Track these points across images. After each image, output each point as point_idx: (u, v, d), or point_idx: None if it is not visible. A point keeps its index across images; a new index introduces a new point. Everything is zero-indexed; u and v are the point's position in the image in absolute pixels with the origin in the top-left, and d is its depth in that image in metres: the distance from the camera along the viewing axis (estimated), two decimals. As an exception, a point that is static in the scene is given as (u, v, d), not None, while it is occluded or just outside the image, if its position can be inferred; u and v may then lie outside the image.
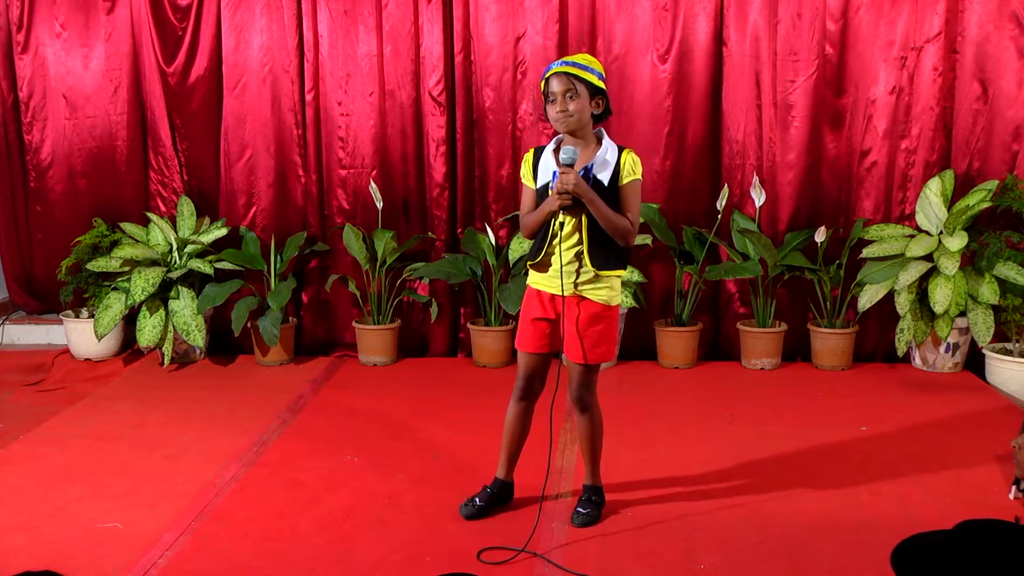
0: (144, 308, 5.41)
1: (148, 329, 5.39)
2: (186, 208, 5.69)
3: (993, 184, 5.16)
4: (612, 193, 3.26)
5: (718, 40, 5.41)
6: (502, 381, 4.88)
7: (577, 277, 3.29)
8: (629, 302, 5.25)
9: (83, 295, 5.68)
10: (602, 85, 3.26)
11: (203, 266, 5.42)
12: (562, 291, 3.28)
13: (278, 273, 5.63)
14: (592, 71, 3.25)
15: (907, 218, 5.41)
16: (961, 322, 5.18)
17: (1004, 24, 5.17)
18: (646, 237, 5.43)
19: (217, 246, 5.64)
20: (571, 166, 3.20)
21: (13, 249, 6.14)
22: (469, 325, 5.63)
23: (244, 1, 5.61)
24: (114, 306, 5.41)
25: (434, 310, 5.68)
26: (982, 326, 5.06)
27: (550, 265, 3.31)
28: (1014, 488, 3.60)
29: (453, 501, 3.57)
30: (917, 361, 5.41)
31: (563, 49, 5.40)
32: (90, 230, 5.69)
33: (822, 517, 3.48)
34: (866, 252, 5.28)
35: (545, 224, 3.29)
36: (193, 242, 5.56)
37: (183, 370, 5.52)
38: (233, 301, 5.54)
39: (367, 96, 5.62)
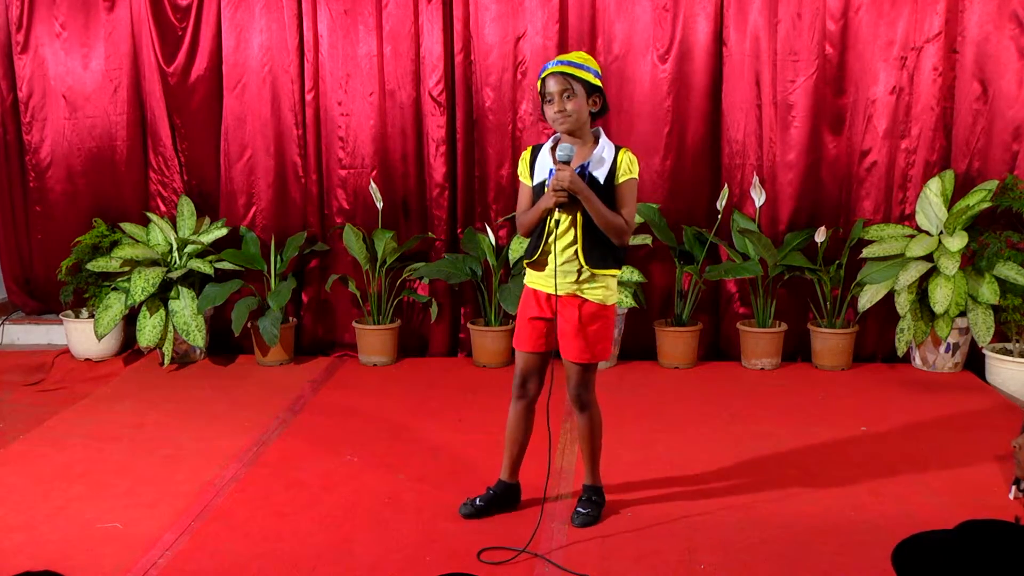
0: (144, 308, 5.41)
1: (148, 329, 5.39)
2: (186, 208, 5.69)
3: (993, 184, 5.16)
4: (608, 191, 3.26)
5: (718, 40, 5.41)
6: (502, 381, 4.87)
7: (578, 277, 3.29)
8: (629, 302, 5.25)
9: (83, 295, 5.68)
10: (598, 83, 3.26)
11: (203, 266, 5.42)
12: (555, 290, 3.28)
13: (278, 273, 5.63)
14: (588, 69, 3.24)
15: (907, 218, 5.41)
16: (961, 322, 5.18)
17: (1004, 24, 5.17)
18: (646, 237, 5.42)
19: (217, 246, 5.64)
20: (567, 163, 3.20)
21: (12, 249, 6.14)
22: (469, 325, 5.63)
23: (244, 1, 5.61)
24: (114, 306, 5.41)
25: (434, 310, 5.68)
26: (982, 326, 5.06)
27: (547, 264, 3.31)
28: (1014, 488, 3.60)
29: (453, 501, 3.57)
30: (917, 361, 5.41)
31: (563, 49, 5.39)
32: (90, 230, 5.69)
33: (822, 517, 3.48)
34: (866, 252, 5.28)
35: (541, 222, 3.30)
36: (193, 242, 5.56)
37: (183, 370, 5.52)
38: (233, 301, 5.54)
39: (367, 96, 5.62)
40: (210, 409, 4.81)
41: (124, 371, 5.52)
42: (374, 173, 5.65)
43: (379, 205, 5.54)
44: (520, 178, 3.44)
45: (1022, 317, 5.03)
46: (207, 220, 5.78)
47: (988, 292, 5.03)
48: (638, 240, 5.39)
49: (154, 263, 5.48)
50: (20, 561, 3.16)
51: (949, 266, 5.01)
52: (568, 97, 3.21)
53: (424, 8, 5.50)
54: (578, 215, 3.24)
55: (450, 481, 3.82)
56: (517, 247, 5.41)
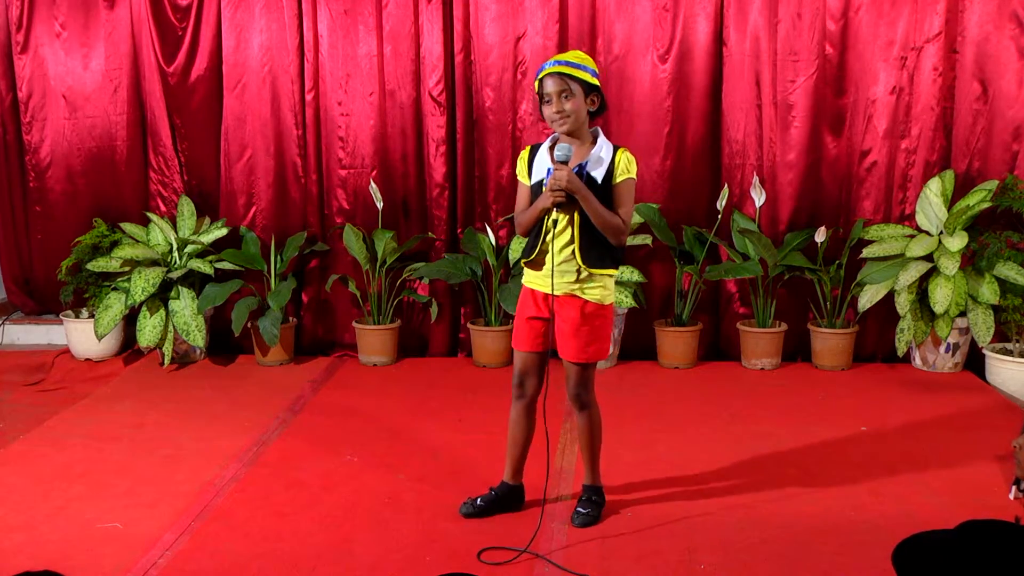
0: (144, 308, 5.41)
1: (148, 329, 5.39)
2: (186, 208, 5.69)
3: (993, 184, 5.16)
4: (605, 191, 3.26)
5: (718, 40, 5.41)
6: (502, 381, 4.87)
7: (576, 276, 3.29)
8: (629, 302, 5.25)
9: (83, 295, 5.68)
10: (596, 82, 3.26)
11: (203, 266, 5.42)
12: (552, 289, 3.28)
13: (278, 273, 5.63)
14: (585, 68, 3.24)
15: (907, 218, 5.41)
16: (961, 322, 5.18)
17: (1004, 24, 5.17)
18: (646, 237, 5.42)
19: (217, 246, 5.64)
20: (565, 163, 3.20)
21: (12, 249, 6.14)
22: (469, 325, 5.63)
23: (244, 1, 5.61)
24: (114, 306, 5.41)
25: (434, 310, 5.68)
26: (982, 326, 5.06)
27: (544, 263, 3.31)
28: (1014, 488, 3.60)
29: (453, 501, 3.57)
30: (917, 361, 5.41)
31: (563, 49, 5.39)
32: (90, 230, 5.69)
33: (822, 517, 3.48)
34: (866, 252, 5.28)
35: (539, 221, 3.30)
36: (193, 242, 5.56)
37: (183, 370, 5.52)
38: (233, 301, 5.54)
39: (367, 96, 5.62)
40: (210, 409, 4.81)
41: (124, 371, 5.52)
42: (374, 173, 5.65)
43: (379, 205, 5.54)
44: (518, 178, 3.44)
45: (1022, 317, 5.03)
46: (207, 220, 5.79)
47: (988, 292, 5.03)
48: (638, 240, 5.39)
49: (154, 263, 5.48)
50: (20, 561, 3.16)
51: (949, 266, 5.01)
52: (566, 97, 3.21)
53: (424, 8, 5.50)
54: (576, 215, 3.24)
55: (450, 481, 3.82)
56: (517, 247, 5.41)
